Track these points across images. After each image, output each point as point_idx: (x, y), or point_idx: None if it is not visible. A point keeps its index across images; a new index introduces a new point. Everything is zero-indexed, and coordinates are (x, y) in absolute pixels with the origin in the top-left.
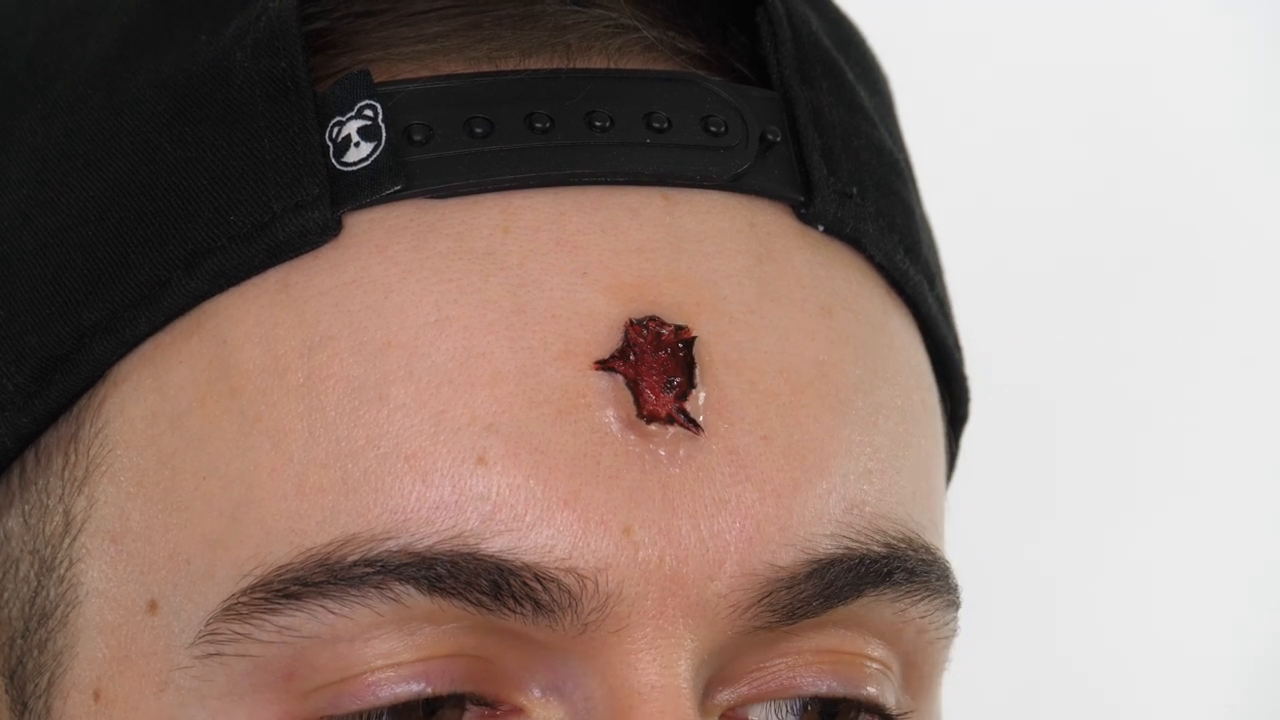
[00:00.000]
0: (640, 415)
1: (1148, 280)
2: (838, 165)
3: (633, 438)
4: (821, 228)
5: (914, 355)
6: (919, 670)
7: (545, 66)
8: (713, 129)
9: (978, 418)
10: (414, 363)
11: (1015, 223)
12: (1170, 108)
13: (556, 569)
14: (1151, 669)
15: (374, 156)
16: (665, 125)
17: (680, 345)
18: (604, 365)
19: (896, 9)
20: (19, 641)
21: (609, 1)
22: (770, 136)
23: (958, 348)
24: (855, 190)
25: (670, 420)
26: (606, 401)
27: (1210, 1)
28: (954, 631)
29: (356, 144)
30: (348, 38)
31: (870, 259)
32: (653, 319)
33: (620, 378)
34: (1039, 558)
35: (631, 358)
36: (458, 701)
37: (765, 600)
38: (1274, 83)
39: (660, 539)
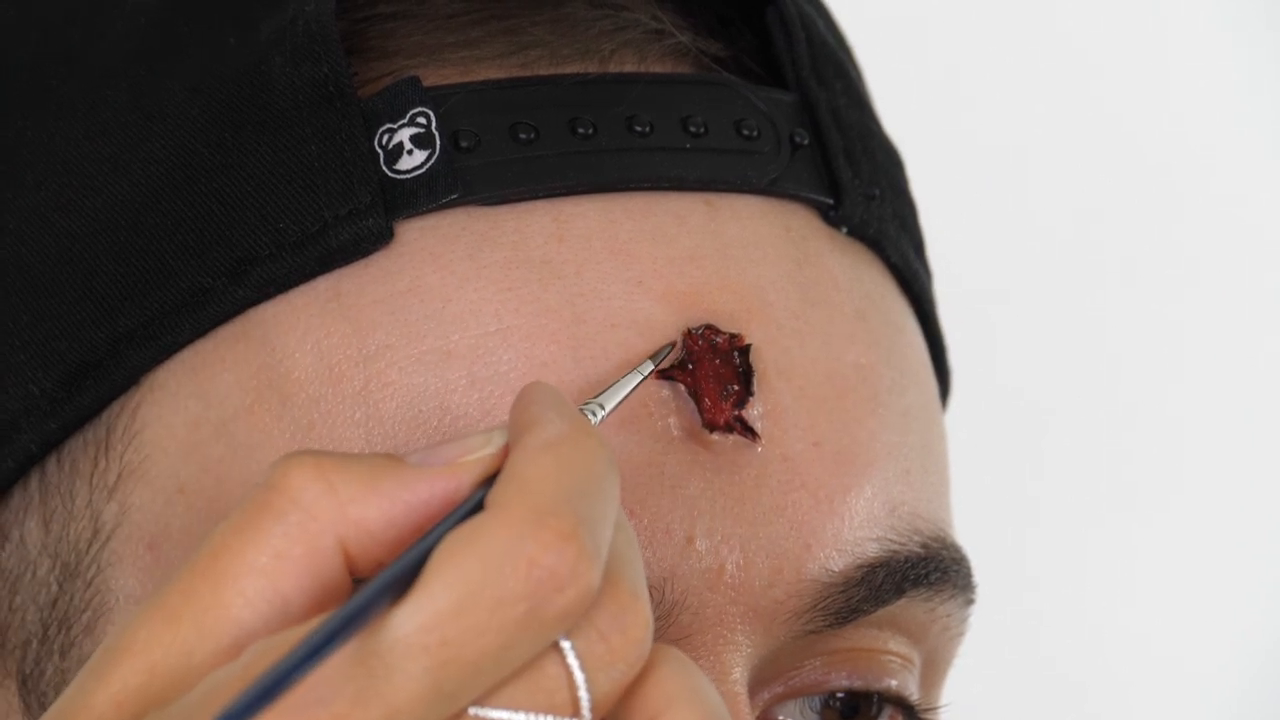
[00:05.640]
0: (703, 424)
1: (1137, 281)
2: (859, 167)
3: (694, 446)
4: (846, 230)
5: (924, 354)
6: (936, 667)
7: (579, 71)
8: (746, 133)
9: (970, 420)
10: (476, 372)
11: (1007, 226)
12: (1160, 114)
13: None
14: (1143, 673)
15: (429, 164)
16: (702, 130)
17: (736, 353)
18: (665, 375)
19: (883, 10)
20: (35, 646)
21: (632, 3)
22: (798, 139)
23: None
24: (877, 192)
25: (729, 428)
26: (669, 410)
27: (1208, 5)
28: (968, 628)
29: (410, 151)
30: (381, 41)
31: (887, 259)
32: (708, 327)
33: (681, 387)
34: (1029, 561)
35: (690, 367)
36: None
37: (821, 605)
38: (1264, 88)
39: (722, 547)
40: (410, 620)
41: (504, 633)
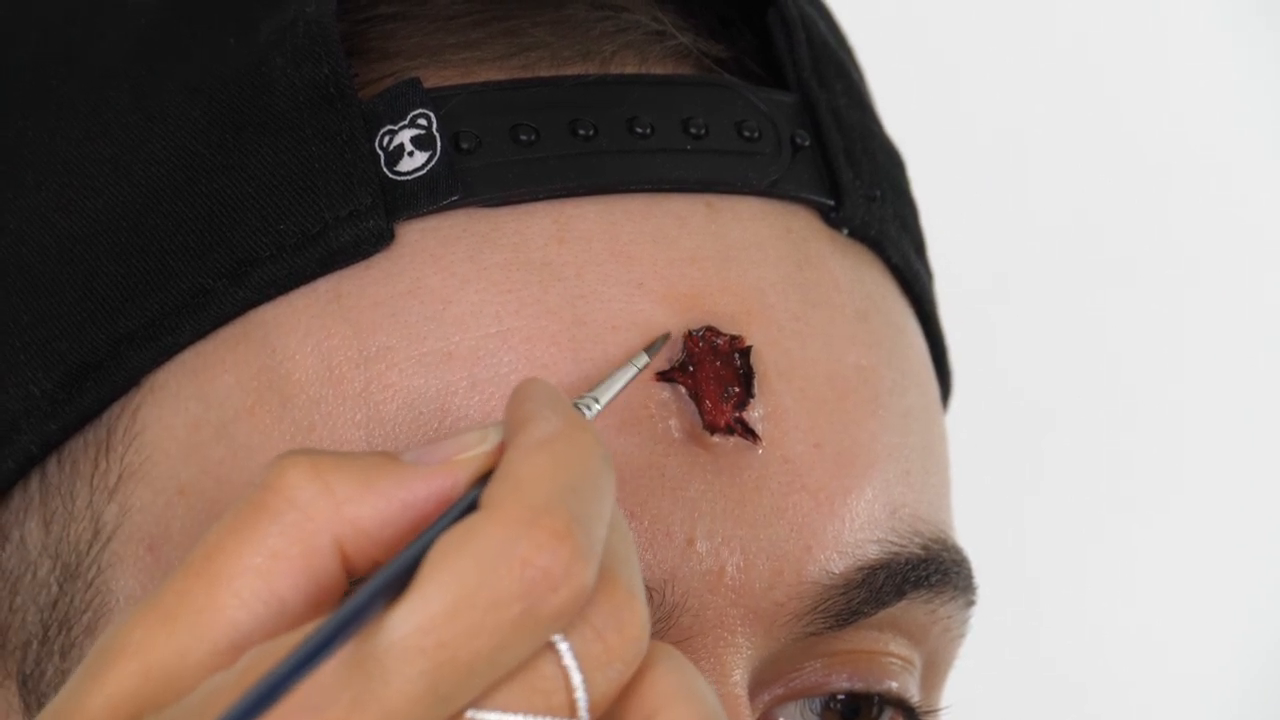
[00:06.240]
0: (704, 426)
1: (1138, 282)
2: (860, 168)
3: (695, 448)
4: (847, 231)
5: (925, 355)
6: (937, 668)
7: (580, 72)
8: (747, 134)
9: (971, 420)
10: (477, 374)
11: (1007, 226)
12: (1160, 114)
13: None
14: (1143, 674)
15: (430, 166)
16: (703, 131)
17: (736, 355)
18: (665, 377)
19: (892, 10)
20: (36, 647)
21: (633, 4)
22: (799, 141)
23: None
24: (878, 193)
25: (730, 430)
26: (669, 413)
27: (1208, 5)
28: (969, 629)
29: (410, 153)
30: (382, 42)
31: (888, 261)
32: (709, 329)
33: (681, 389)
34: (1030, 561)
35: (691, 369)
36: None
37: (821, 608)
38: (1264, 88)
39: (723, 549)
40: (405, 623)
41: (499, 633)
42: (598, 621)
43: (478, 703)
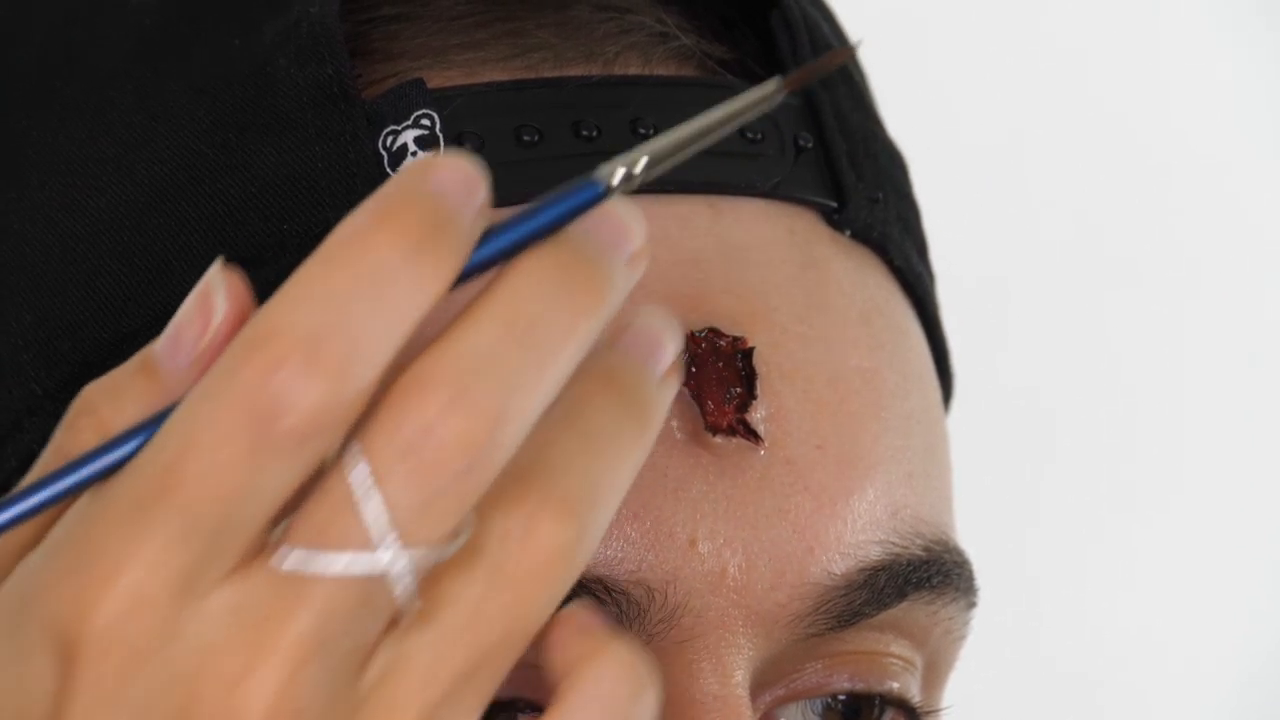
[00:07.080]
0: (706, 427)
1: (1138, 283)
2: (863, 170)
3: (697, 449)
4: (849, 233)
5: (927, 357)
6: (938, 670)
7: (583, 74)
8: (750, 136)
9: (971, 422)
10: None
11: (1008, 228)
12: (1161, 114)
13: (626, 581)
14: (1143, 673)
15: None
16: None
17: (738, 356)
18: None
19: (895, 12)
20: None
21: (636, 5)
22: (802, 143)
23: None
24: (880, 195)
25: (732, 431)
26: (671, 414)
27: (1208, 5)
28: (970, 631)
29: (414, 154)
30: (386, 43)
31: (890, 263)
32: (712, 330)
33: (684, 390)
34: (1030, 561)
35: (693, 370)
36: (509, 706)
37: (823, 609)
38: (1263, 86)
39: (725, 550)
40: (145, 470)
41: (242, 467)
42: (406, 431)
43: (288, 525)
